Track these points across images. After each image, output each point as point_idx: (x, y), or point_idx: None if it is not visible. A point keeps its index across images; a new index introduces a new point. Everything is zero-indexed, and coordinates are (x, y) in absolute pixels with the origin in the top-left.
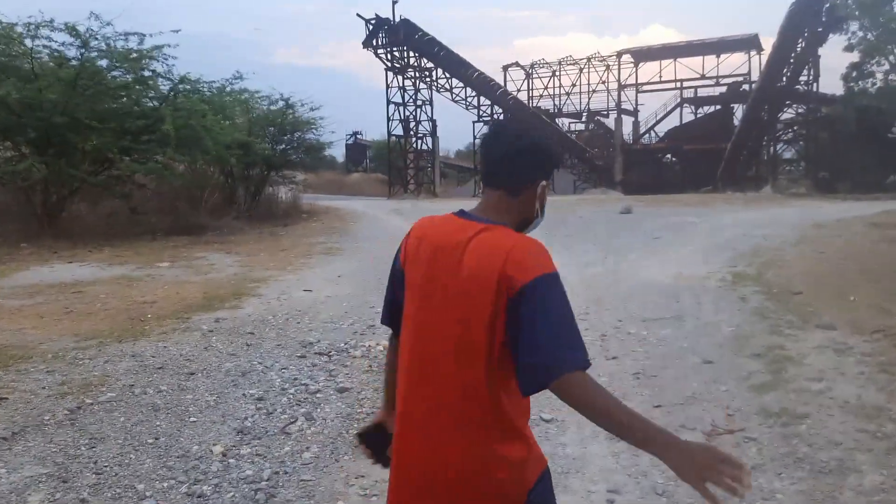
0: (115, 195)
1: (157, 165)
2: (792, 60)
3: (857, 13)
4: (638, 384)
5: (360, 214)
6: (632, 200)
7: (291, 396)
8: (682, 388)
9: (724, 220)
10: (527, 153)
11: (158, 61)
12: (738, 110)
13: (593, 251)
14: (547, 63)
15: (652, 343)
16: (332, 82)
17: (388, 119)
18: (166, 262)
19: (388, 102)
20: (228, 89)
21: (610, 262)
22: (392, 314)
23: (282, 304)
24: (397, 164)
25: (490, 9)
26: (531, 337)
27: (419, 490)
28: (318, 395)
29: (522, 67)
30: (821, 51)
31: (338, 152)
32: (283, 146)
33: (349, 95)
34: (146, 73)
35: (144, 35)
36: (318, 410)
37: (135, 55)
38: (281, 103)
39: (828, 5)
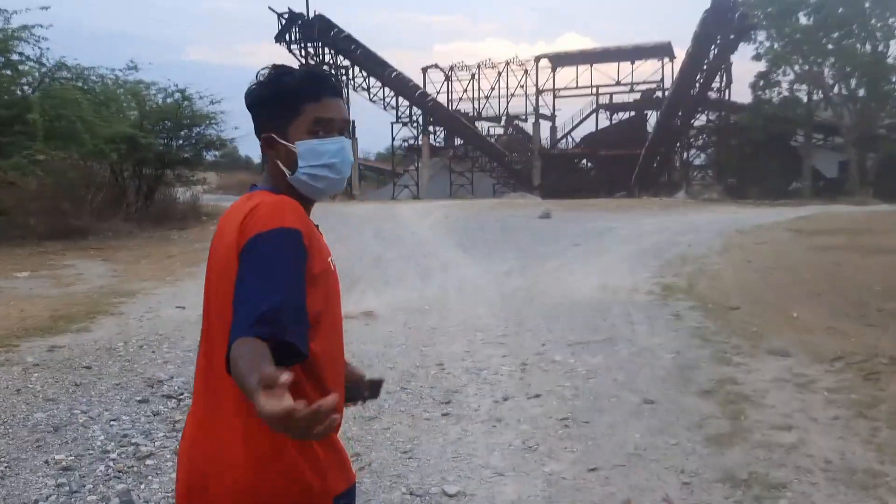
0: None
1: (22, 161)
2: (705, 67)
3: (764, 23)
4: (567, 435)
5: None
6: (550, 205)
7: (112, 464)
8: (621, 441)
9: (644, 226)
10: (250, 101)
11: (29, 43)
12: (652, 117)
13: (513, 259)
14: (466, 66)
15: (581, 375)
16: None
17: None
18: (25, 272)
19: None
20: (122, 80)
21: (531, 272)
22: None
23: (142, 325)
24: None
25: (410, 13)
26: (235, 300)
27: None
28: (148, 462)
29: (442, 70)
30: (733, 59)
31: (255, 152)
32: (181, 142)
33: None
34: (14, 57)
35: (9, 13)
36: (143, 487)
37: None
38: (177, 95)
39: (739, 13)
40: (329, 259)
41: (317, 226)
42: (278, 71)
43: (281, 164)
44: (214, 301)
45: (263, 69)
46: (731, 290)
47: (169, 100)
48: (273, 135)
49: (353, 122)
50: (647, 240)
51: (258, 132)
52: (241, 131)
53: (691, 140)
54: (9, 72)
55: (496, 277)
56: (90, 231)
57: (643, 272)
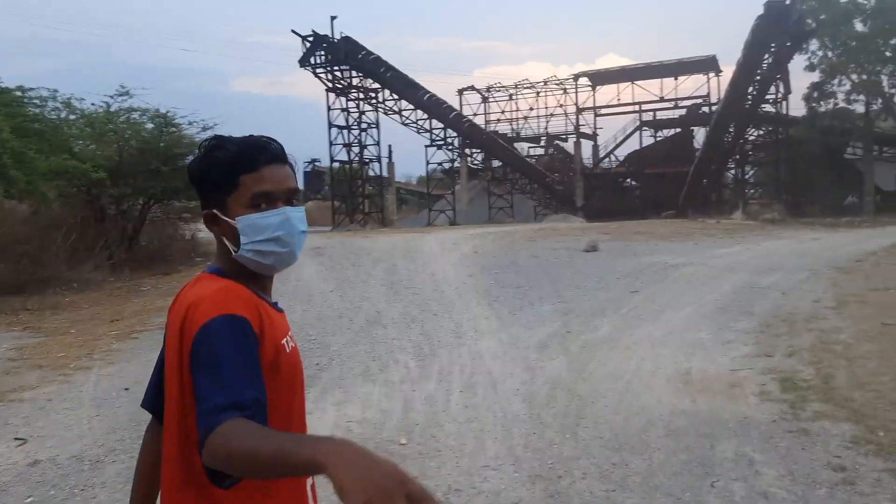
0: None
1: None
2: (758, 78)
3: (818, 31)
4: None
5: None
6: (596, 232)
7: None
8: None
9: (712, 260)
10: (190, 176)
11: None
12: (700, 133)
13: (551, 316)
14: (503, 87)
15: None
16: (293, 111)
17: (331, 143)
18: None
19: (330, 126)
20: (114, 108)
21: (575, 343)
22: (154, 396)
23: None
24: (341, 191)
25: (450, 39)
26: (196, 394)
27: None
28: None
29: (478, 91)
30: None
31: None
32: (171, 172)
33: (311, 123)
34: None
35: None
36: None
37: None
38: (159, 120)
39: (796, 17)
40: (283, 340)
41: (275, 304)
42: (213, 143)
43: (226, 241)
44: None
45: (205, 141)
46: (895, 387)
47: (150, 125)
48: (215, 211)
49: (389, 146)
50: (723, 283)
51: (202, 208)
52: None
53: (747, 156)
54: None
55: (526, 356)
56: (53, 281)
57: (737, 344)
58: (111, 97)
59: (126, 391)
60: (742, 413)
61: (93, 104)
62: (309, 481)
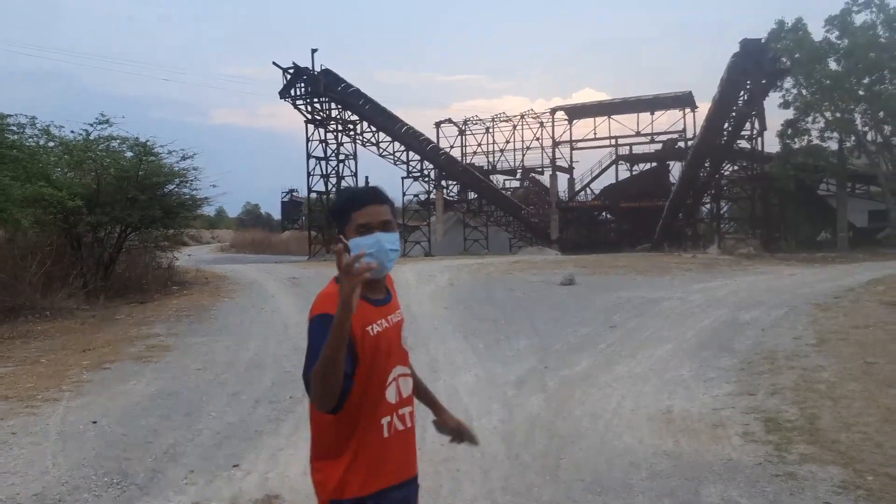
0: None
1: None
2: (733, 114)
3: (791, 69)
4: None
5: (247, 285)
6: (572, 265)
7: None
8: None
9: (691, 295)
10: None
11: None
12: (675, 167)
13: (529, 352)
14: (480, 120)
15: None
16: (272, 142)
17: (309, 174)
18: None
19: (309, 156)
20: (94, 136)
21: (553, 379)
22: None
23: None
24: (318, 221)
25: (428, 73)
26: None
27: None
28: None
29: (455, 124)
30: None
31: (274, 209)
32: (149, 201)
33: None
34: None
35: None
36: None
37: None
38: (138, 149)
39: (771, 56)
40: (369, 327)
41: (379, 299)
42: (340, 192)
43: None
44: None
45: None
46: (880, 428)
47: (129, 154)
48: (340, 235)
49: (367, 177)
50: (702, 318)
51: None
52: (219, 189)
53: (722, 191)
54: None
55: (503, 392)
56: (25, 310)
57: (719, 382)
58: (91, 125)
59: (94, 424)
60: (726, 455)
61: (72, 132)
62: (387, 419)
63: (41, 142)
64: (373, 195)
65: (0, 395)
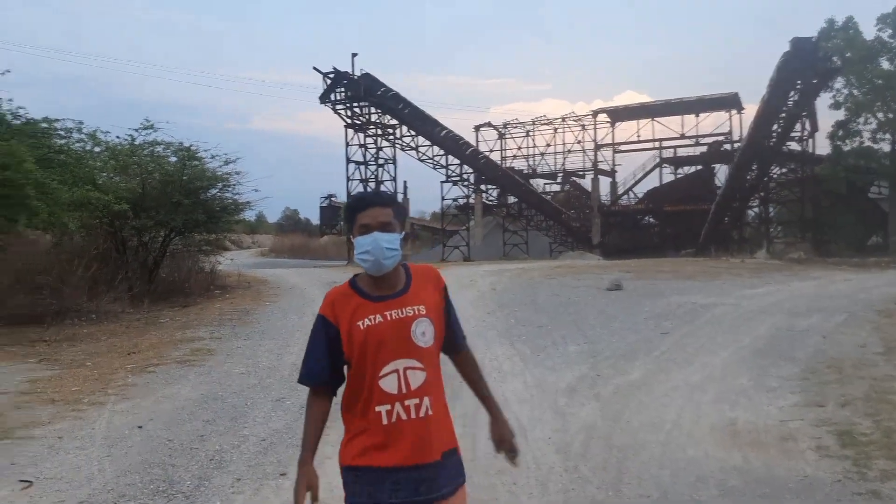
0: None
1: None
2: (783, 115)
3: (841, 68)
4: None
5: (288, 289)
6: (617, 270)
7: None
8: None
9: (743, 300)
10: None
11: None
12: (721, 170)
13: (578, 358)
14: (521, 123)
15: None
16: (311, 147)
17: (348, 179)
18: None
19: (348, 161)
20: (139, 141)
21: (607, 386)
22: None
23: None
24: None
25: (466, 77)
26: None
27: None
28: None
29: (495, 127)
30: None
31: (313, 214)
32: (192, 205)
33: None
34: None
35: None
36: None
37: None
38: (182, 153)
39: (822, 55)
40: (359, 322)
41: (383, 296)
42: (350, 197)
43: (354, 254)
44: None
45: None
46: None
47: (173, 158)
48: (350, 236)
49: (405, 182)
50: (758, 325)
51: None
52: (260, 193)
53: (771, 194)
54: None
55: (554, 400)
56: (71, 313)
57: (783, 392)
58: (136, 130)
59: (139, 429)
60: (801, 471)
61: (118, 137)
62: (385, 407)
63: (88, 147)
64: (375, 199)
65: (47, 398)
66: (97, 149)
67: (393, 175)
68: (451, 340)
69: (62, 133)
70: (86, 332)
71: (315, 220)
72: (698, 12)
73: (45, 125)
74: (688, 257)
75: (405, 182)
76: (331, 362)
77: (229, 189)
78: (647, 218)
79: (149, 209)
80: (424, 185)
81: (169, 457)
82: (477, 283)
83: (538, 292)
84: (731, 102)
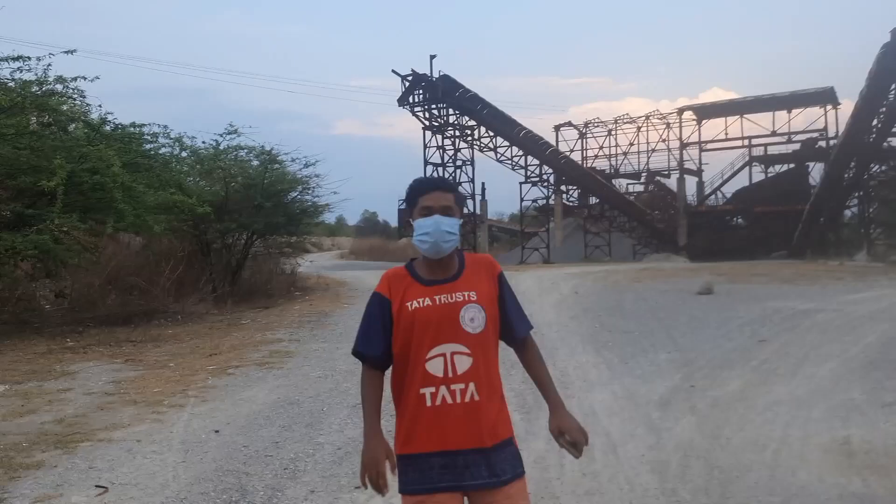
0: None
1: (41, 237)
2: (883, 109)
3: None
4: None
5: (366, 291)
6: (708, 273)
7: None
8: None
9: (847, 306)
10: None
11: (73, 99)
12: (815, 168)
13: (669, 367)
14: (602, 122)
15: None
16: (389, 150)
17: None
18: (2, 386)
19: (426, 163)
20: (223, 146)
21: (702, 398)
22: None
23: None
24: None
25: (545, 77)
26: None
27: None
28: None
29: (575, 127)
30: None
31: (391, 217)
32: (273, 208)
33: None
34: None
35: (28, 58)
36: None
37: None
38: (264, 157)
39: None
40: (408, 303)
41: (436, 280)
42: (412, 181)
43: (413, 235)
44: None
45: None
46: None
47: (255, 162)
48: (409, 219)
49: (483, 183)
50: (866, 333)
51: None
52: (339, 196)
53: (870, 192)
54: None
55: (647, 413)
56: (158, 314)
57: None
58: (220, 135)
59: (216, 434)
60: None
61: (203, 142)
62: (429, 390)
63: (174, 151)
64: (438, 183)
65: (129, 399)
66: (184, 154)
67: (471, 176)
68: (509, 329)
69: (148, 137)
70: (170, 332)
71: (393, 222)
72: (788, 4)
73: (132, 129)
74: (780, 260)
75: (483, 184)
76: (385, 337)
77: (309, 192)
78: (735, 219)
79: (231, 212)
80: (502, 187)
81: (244, 464)
82: (559, 287)
83: (624, 296)
84: (825, 97)
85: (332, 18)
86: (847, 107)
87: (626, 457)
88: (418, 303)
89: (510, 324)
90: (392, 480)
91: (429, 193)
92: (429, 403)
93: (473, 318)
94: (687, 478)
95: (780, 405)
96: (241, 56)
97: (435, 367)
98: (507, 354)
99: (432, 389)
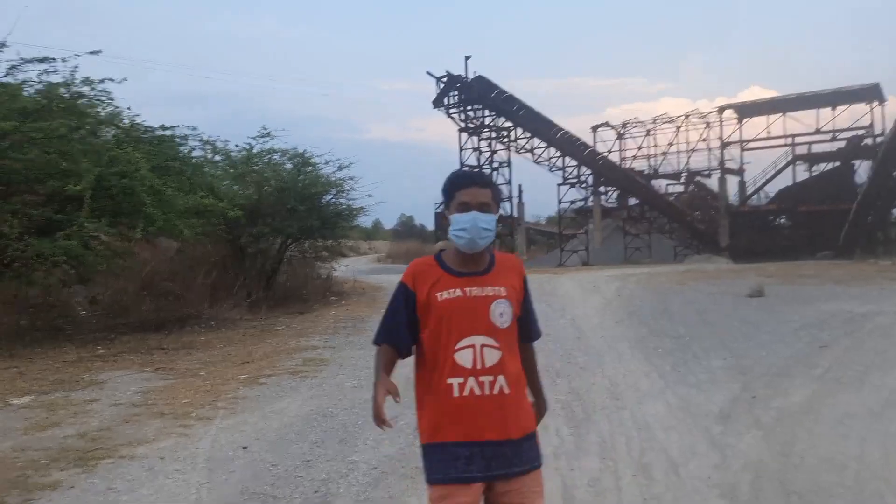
0: (30, 282)
1: (70, 243)
2: None
3: None
4: None
5: None
6: (754, 274)
7: None
8: None
9: None
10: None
11: (102, 103)
12: (862, 167)
13: (725, 376)
14: (640, 122)
15: None
16: (424, 153)
17: None
18: (28, 396)
19: (462, 166)
20: (256, 149)
21: (766, 410)
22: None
23: None
24: None
25: (580, 78)
26: None
27: None
28: None
29: (613, 127)
30: None
31: (427, 220)
32: (307, 211)
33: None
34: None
35: (54, 59)
36: None
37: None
38: (297, 160)
39: None
40: (437, 294)
41: (467, 272)
42: (450, 174)
43: (449, 229)
44: None
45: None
46: None
47: (288, 165)
48: (444, 212)
49: (520, 185)
50: None
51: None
52: (374, 198)
53: None
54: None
55: (706, 427)
56: (191, 320)
57: None
58: (253, 139)
59: (244, 450)
60: None
61: (236, 146)
62: (457, 380)
63: (208, 156)
64: (477, 178)
65: (157, 411)
66: (217, 158)
67: (508, 178)
68: (526, 331)
69: (178, 140)
70: (203, 339)
71: (430, 225)
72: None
73: (161, 132)
74: (827, 260)
75: (520, 185)
76: (407, 331)
77: (343, 195)
78: (778, 219)
79: (265, 216)
80: (539, 189)
81: (271, 486)
82: (601, 289)
83: (669, 299)
84: (871, 94)
85: (353, 21)
86: (894, 103)
87: (690, 477)
88: (449, 294)
89: (528, 326)
90: (403, 433)
91: (466, 189)
92: (456, 394)
93: (503, 313)
94: (760, 503)
95: (851, 418)
96: (274, 63)
97: (464, 358)
98: (550, 362)
99: (460, 380)
